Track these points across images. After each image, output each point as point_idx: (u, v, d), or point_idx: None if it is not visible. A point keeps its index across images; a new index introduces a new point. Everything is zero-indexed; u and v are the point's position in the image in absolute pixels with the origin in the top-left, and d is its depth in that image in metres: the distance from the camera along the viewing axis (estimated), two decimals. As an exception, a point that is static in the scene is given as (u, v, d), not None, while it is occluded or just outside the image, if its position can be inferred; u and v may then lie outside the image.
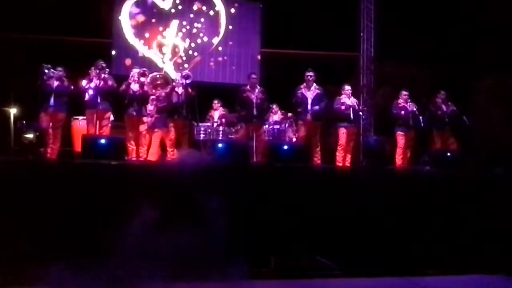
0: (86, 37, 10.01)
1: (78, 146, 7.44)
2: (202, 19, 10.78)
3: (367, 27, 10.85)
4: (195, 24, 10.76)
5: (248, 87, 7.86)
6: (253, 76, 8.11)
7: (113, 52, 10.35)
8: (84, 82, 7.38)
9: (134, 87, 7.53)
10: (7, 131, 7.80)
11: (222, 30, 10.86)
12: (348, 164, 7.92)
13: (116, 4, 10.44)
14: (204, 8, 10.80)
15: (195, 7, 10.74)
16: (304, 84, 7.76)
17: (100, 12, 9.92)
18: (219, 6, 10.86)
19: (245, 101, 7.76)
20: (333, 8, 10.28)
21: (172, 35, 10.67)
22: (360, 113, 8.30)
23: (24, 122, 8.21)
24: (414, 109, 8.04)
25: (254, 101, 7.71)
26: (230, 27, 10.90)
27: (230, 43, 10.91)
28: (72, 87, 7.41)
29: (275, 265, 5.76)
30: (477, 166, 7.56)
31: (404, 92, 8.18)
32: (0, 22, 9.39)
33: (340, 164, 7.80)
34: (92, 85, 7.36)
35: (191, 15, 10.75)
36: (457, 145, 8.17)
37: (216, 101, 8.66)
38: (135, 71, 7.74)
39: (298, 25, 10.49)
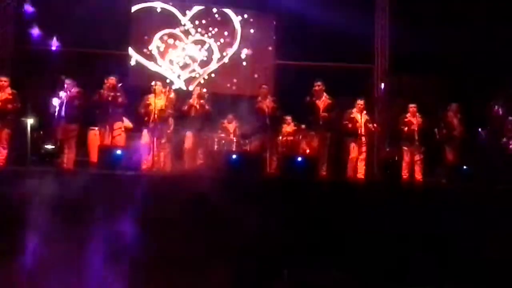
0: (103, 49, 10.11)
1: (94, 156, 7.54)
2: (217, 31, 10.86)
3: (382, 40, 10.81)
4: (211, 37, 10.83)
5: (259, 97, 8.02)
6: (264, 86, 8.39)
7: (132, 63, 10.44)
8: (96, 96, 7.51)
9: (158, 103, 7.62)
10: (24, 141, 7.90)
11: (236, 42, 10.92)
12: (361, 177, 7.90)
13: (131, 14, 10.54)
14: (219, 18, 10.89)
15: (213, 18, 10.85)
16: (314, 94, 7.86)
17: (118, 23, 10.07)
18: (234, 19, 10.94)
19: (258, 112, 7.90)
20: (347, 20, 10.27)
21: (188, 48, 10.74)
22: (374, 124, 8.27)
23: (41, 132, 8.36)
24: (421, 122, 7.99)
25: (267, 111, 7.85)
26: (242, 38, 10.94)
27: (244, 54, 10.97)
28: (84, 98, 7.53)
29: (288, 277, 5.75)
30: (491, 180, 7.48)
31: (412, 105, 8.14)
32: (18, 33, 9.67)
33: (351, 176, 7.80)
34: (103, 99, 7.49)
35: (209, 28, 10.84)
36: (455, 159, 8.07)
37: (230, 116, 8.70)
38: (158, 84, 7.90)
39: (312, 36, 10.51)
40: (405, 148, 8.05)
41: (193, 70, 10.73)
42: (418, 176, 7.95)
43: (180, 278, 5.32)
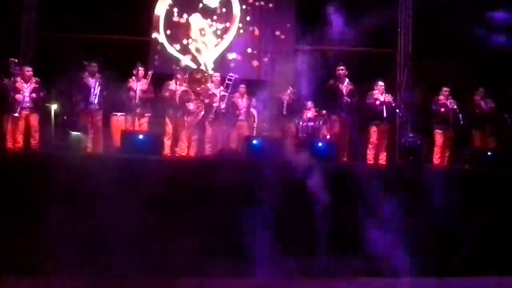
0: (128, 35, 10.12)
1: (117, 141, 7.66)
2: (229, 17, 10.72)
3: (405, 23, 10.61)
4: (225, 22, 10.74)
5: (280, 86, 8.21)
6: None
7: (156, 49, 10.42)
8: (132, 84, 7.68)
9: (180, 88, 7.74)
10: (48, 127, 8.08)
11: (234, 27, 10.70)
12: (383, 162, 7.83)
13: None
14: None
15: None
16: (337, 78, 7.86)
17: (142, 9, 10.09)
18: (235, 6, 10.74)
19: (277, 101, 8.11)
20: (370, 3, 10.08)
21: (205, 33, 10.67)
22: (397, 110, 8.19)
23: (65, 117, 8.50)
24: (455, 106, 7.85)
25: (286, 101, 8.01)
26: (260, 23, 10.84)
27: (263, 40, 10.87)
28: (106, 83, 7.65)
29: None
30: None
31: (445, 89, 8.03)
32: (42, 20, 9.80)
33: (371, 162, 7.73)
34: (136, 87, 7.66)
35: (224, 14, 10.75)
36: (495, 144, 7.96)
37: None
38: (178, 71, 8.06)
39: (333, 20, 10.36)
40: (439, 131, 7.92)
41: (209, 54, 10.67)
42: (447, 161, 7.85)
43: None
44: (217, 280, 5.24)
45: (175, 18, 10.50)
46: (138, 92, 7.63)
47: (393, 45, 10.66)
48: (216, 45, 10.60)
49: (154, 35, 10.40)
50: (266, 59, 10.68)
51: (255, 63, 10.71)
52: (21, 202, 5.44)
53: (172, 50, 10.47)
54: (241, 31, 10.70)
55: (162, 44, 10.41)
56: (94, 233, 5.27)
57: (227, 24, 10.68)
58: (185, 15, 10.51)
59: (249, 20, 10.75)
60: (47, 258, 5.11)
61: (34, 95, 7.41)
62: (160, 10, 10.48)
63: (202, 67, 10.45)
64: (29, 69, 7.59)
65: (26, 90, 7.41)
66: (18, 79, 7.46)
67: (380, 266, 5.54)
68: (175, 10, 10.52)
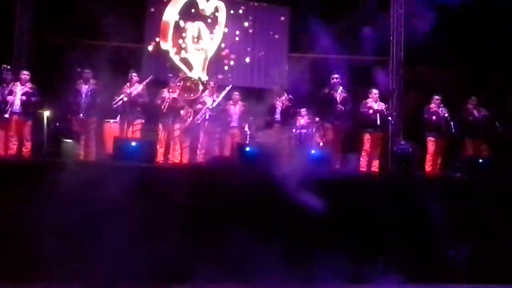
0: (124, 42, 10.08)
1: (110, 148, 7.62)
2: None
3: (397, 31, 10.70)
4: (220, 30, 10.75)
5: (274, 93, 8.27)
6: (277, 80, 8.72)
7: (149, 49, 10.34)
8: (125, 90, 7.65)
9: (171, 95, 7.74)
10: (41, 133, 8.02)
11: (220, 32, 10.68)
12: (376, 170, 7.87)
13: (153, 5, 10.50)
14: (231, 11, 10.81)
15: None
16: (331, 86, 7.90)
17: (138, 15, 10.07)
18: (222, 10, 10.72)
19: (270, 107, 8.19)
20: (361, 12, 10.17)
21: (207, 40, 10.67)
22: (389, 118, 8.23)
23: (57, 124, 8.45)
24: (446, 114, 7.91)
25: (279, 107, 8.08)
26: (254, 31, 10.87)
27: (257, 47, 10.89)
28: (102, 91, 7.63)
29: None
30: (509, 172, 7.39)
31: (437, 97, 8.08)
32: (36, 25, 9.75)
33: (364, 170, 7.75)
34: (128, 91, 7.63)
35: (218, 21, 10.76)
36: (489, 152, 8.02)
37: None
38: (172, 80, 8.09)
39: (326, 28, 10.42)
40: (431, 138, 7.96)
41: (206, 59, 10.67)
42: (438, 168, 7.90)
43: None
44: (208, 285, 5.22)
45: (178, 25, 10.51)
46: (128, 97, 7.58)
47: (385, 53, 10.75)
48: (208, 51, 10.61)
49: (161, 42, 10.34)
50: (260, 64, 10.71)
51: (248, 61, 10.69)
52: (13, 209, 5.40)
53: (174, 57, 10.45)
54: (237, 38, 10.74)
55: (166, 51, 10.35)
56: (86, 240, 5.24)
57: (223, 30, 10.72)
58: (176, 18, 10.50)
59: (246, 26, 10.80)
60: (38, 265, 5.07)
61: (24, 97, 7.34)
62: (170, 17, 10.40)
63: (197, 73, 10.45)
64: (26, 73, 7.58)
65: (18, 92, 7.37)
66: (16, 83, 7.43)
67: (373, 272, 5.56)
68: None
